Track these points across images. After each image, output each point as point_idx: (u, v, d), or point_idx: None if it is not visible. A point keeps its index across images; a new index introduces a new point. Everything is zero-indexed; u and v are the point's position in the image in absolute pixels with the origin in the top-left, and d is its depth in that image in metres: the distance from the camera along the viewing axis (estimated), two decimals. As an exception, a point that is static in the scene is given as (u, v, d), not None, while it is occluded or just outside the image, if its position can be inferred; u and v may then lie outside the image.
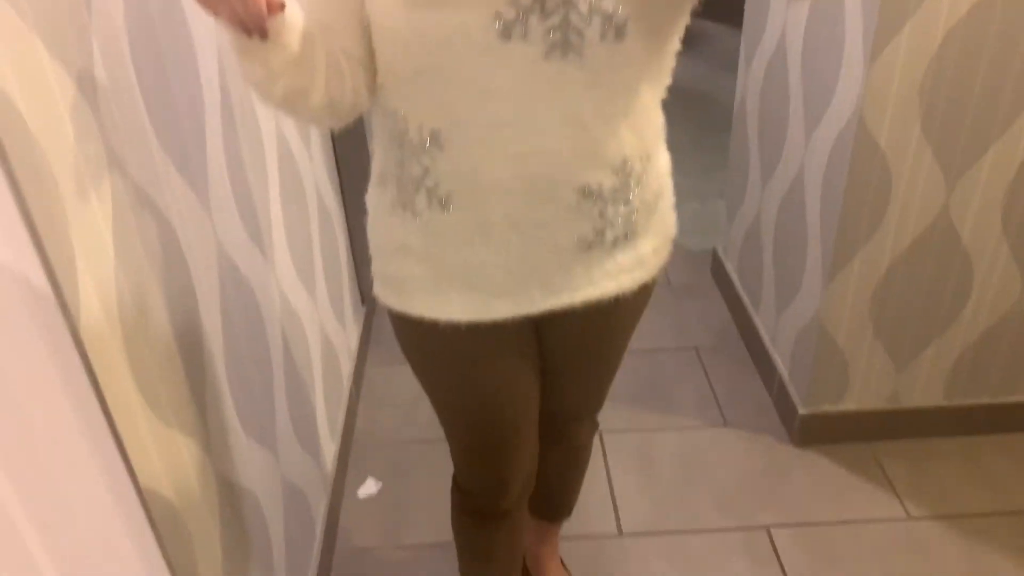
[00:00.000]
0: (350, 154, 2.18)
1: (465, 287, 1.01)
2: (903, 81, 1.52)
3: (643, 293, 1.12)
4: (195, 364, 1.05)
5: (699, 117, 3.77)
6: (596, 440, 2.01)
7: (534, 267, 1.00)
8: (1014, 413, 1.97)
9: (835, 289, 1.79)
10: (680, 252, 2.80)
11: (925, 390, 1.93)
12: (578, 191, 0.95)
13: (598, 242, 1.00)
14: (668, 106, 1.04)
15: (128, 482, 0.78)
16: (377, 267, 1.09)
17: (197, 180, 1.10)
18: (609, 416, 2.09)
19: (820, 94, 1.75)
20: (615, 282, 1.05)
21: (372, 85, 0.96)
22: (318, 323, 1.80)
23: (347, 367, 2.11)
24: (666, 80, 1.00)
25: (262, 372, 1.35)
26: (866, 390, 1.93)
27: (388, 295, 1.08)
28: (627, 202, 0.99)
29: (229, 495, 1.14)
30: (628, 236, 1.02)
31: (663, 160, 1.06)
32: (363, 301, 2.38)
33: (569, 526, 1.75)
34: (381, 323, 2.48)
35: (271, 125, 1.50)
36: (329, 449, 1.85)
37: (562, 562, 1.67)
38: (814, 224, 1.83)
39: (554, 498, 1.52)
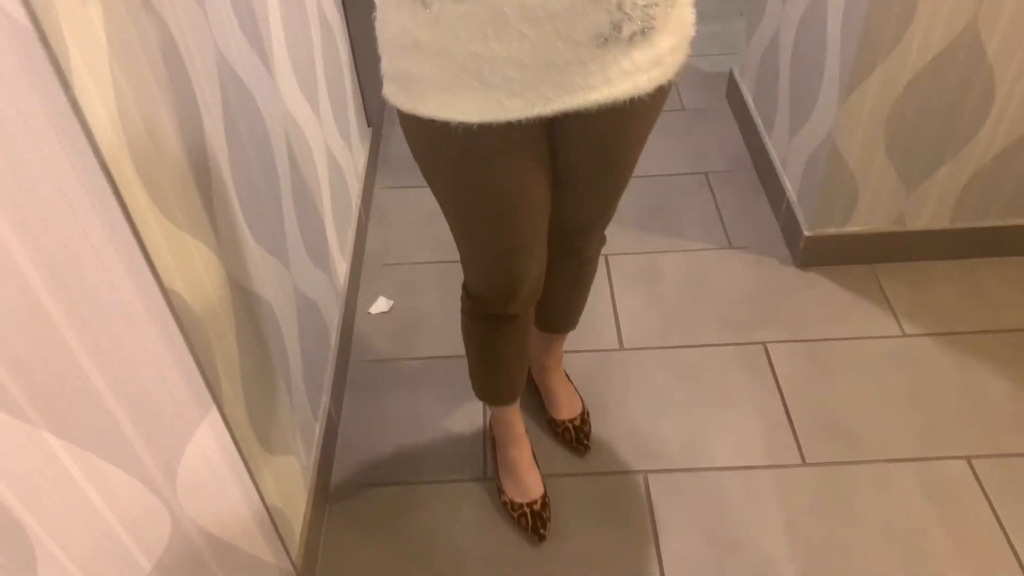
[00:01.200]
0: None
1: (477, 84, 0.99)
2: None
3: (659, 96, 1.09)
4: (201, 169, 1.05)
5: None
6: (601, 261, 2.06)
7: (548, 62, 0.97)
8: (1016, 236, 1.98)
9: (850, 107, 1.74)
10: (695, 74, 2.75)
11: (933, 213, 1.93)
12: None
13: (614, 36, 0.96)
14: None
15: (149, 276, 0.80)
16: (386, 65, 1.06)
17: (190, -22, 1.05)
18: (615, 238, 2.12)
19: None
20: (631, 82, 1.01)
21: None
22: (323, 140, 1.79)
23: (355, 188, 2.12)
24: None
25: (269, 184, 1.36)
26: (873, 212, 1.93)
27: (398, 94, 1.06)
28: None
29: (243, 299, 1.19)
30: (645, 32, 0.98)
31: None
32: (369, 123, 2.35)
33: (572, 341, 1.83)
34: (388, 146, 2.46)
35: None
36: (340, 267, 1.90)
37: (565, 374, 1.75)
38: (834, 38, 1.76)
39: (560, 311, 1.57)
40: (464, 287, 1.35)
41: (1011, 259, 2.01)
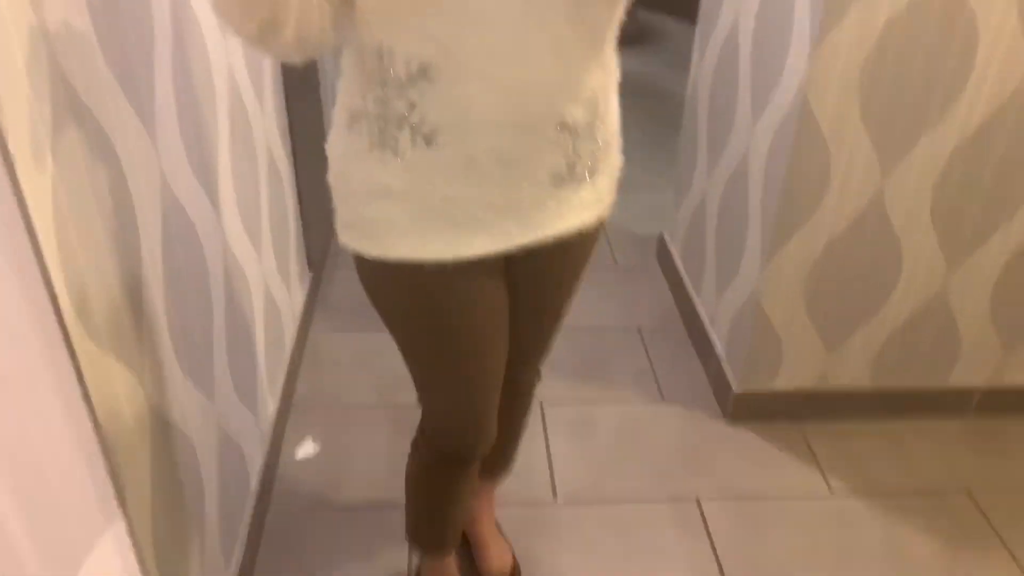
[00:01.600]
0: (304, 112, 2.17)
1: (447, 224, 1.03)
2: (846, 66, 1.58)
3: (598, 230, 1.20)
4: (134, 291, 1.04)
5: (653, 112, 3.82)
6: (536, 411, 2.05)
7: (513, 201, 1.04)
8: (934, 397, 2.06)
9: (772, 270, 1.84)
10: (628, 237, 2.89)
11: (853, 372, 2.01)
12: (558, 124, 1.00)
13: (569, 177, 1.06)
14: (623, 101, 1.13)
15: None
16: (347, 215, 1.08)
17: (144, 107, 1.09)
18: (550, 388, 2.12)
19: (767, 79, 1.80)
20: (579, 217, 1.11)
21: (338, 22, 0.95)
22: (263, 280, 1.79)
23: (290, 329, 2.10)
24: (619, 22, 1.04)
25: (203, 316, 1.35)
26: (797, 370, 2.00)
27: (360, 241, 1.08)
28: (593, 138, 1.06)
29: (162, 430, 1.13)
30: (591, 173, 1.09)
31: (616, 101, 1.12)
32: (310, 267, 2.37)
33: (506, 492, 1.78)
34: (328, 289, 2.47)
35: (223, 67, 1.49)
36: (268, 407, 1.84)
37: (497, 525, 1.69)
38: (755, 207, 1.89)
39: (497, 451, 1.53)
40: (422, 429, 1.32)
41: (932, 420, 2.08)
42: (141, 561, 0.94)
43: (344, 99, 1.04)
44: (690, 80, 2.41)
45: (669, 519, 1.79)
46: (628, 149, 1.17)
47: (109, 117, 0.97)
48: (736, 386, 2.02)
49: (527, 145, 1.00)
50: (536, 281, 1.22)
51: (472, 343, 1.17)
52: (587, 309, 2.47)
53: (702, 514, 1.80)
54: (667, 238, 2.65)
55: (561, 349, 2.27)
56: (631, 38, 5.38)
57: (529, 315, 1.27)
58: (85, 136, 0.91)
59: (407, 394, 1.29)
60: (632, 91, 1.17)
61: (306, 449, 1.92)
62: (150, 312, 1.10)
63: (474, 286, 1.12)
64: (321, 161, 1.10)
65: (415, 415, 1.30)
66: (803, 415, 2.06)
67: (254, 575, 1.62)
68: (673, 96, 4.00)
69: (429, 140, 0.97)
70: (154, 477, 1.09)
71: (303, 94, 2.25)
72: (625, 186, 1.22)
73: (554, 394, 2.12)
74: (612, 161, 1.14)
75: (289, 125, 2.11)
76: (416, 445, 1.34)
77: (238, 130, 1.59)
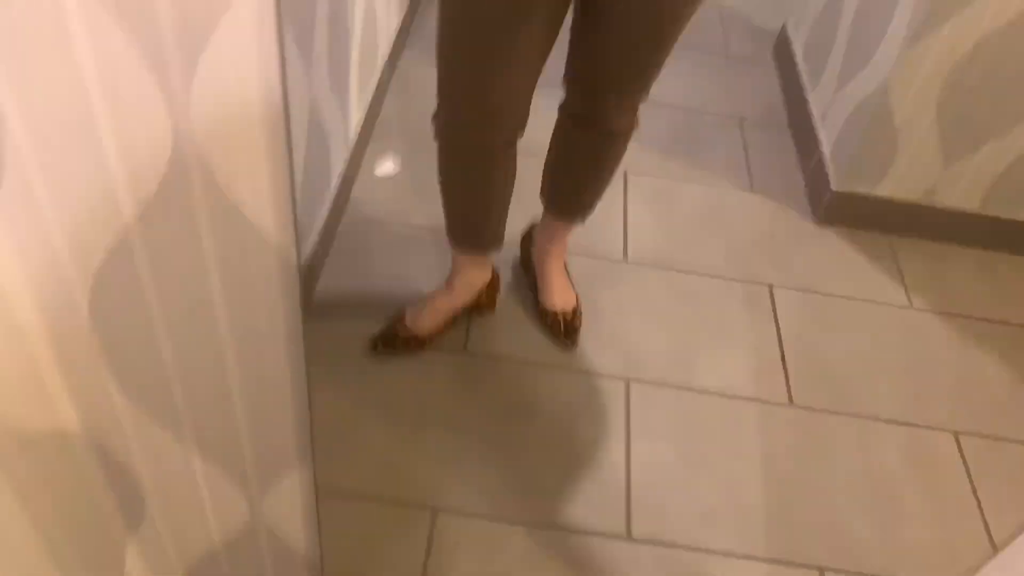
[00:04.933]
0: None
1: None
2: None
3: None
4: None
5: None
6: (620, 177, 1.98)
7: None
8: (1045, 234, 1.93)
9: (911, 59, 1.67)
10: (745, 25, 2.66)
11: (964, 192, 1.88)
12: None
13: None
14: None
15: None
16: None
17: None
18: (638, 160, 2.05)
19: None
20: None
21: None
22: (365, -24, 1.68)
23: (383, 48, 2.01)
24: None
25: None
26: (906, 179, 1.87)
27: None
28: None
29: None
30: None
31: None
32: (409, -8, 2.24)
33: (578, 243, 1.76)
34: (421, 22, 2.35)
35: None
36: (354, 117, 1.80)
37: (566, 268, 1.67)
38: (911, -15, 1.68)
39: (572, 189, 1.49)
40: (438, 107, 1.26)
41: (1031, 258, 1.96)
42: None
43: None
44: None
45: (737, 297, 1.76)
46: None
47: None
48: (835, 185, 1.91)
49: None
50: (618, 4, 1.10)
51: (500, 12, 1.07)
52: (687, 91, 2.33)
53: (772, 300, 1.76)
54: (789, 29, 2.44)
55: (653, 123, 2.17)
56: None
57: (621, 33, 1.15)
58: None
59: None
60: None
61: (384, 167, 1.90)
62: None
63: None
64: None
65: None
66: (899, 228, 1.95)
67: (321, 273, 1.65)
68: None
69: None
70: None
71: None
72: None
73: (639, 164, 2.04)
74: None
75: None
76: (437, 132, 1.29)
77: None
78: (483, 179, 1.33)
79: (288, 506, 0.83)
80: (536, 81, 1.21)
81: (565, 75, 1.30)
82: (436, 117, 1.27)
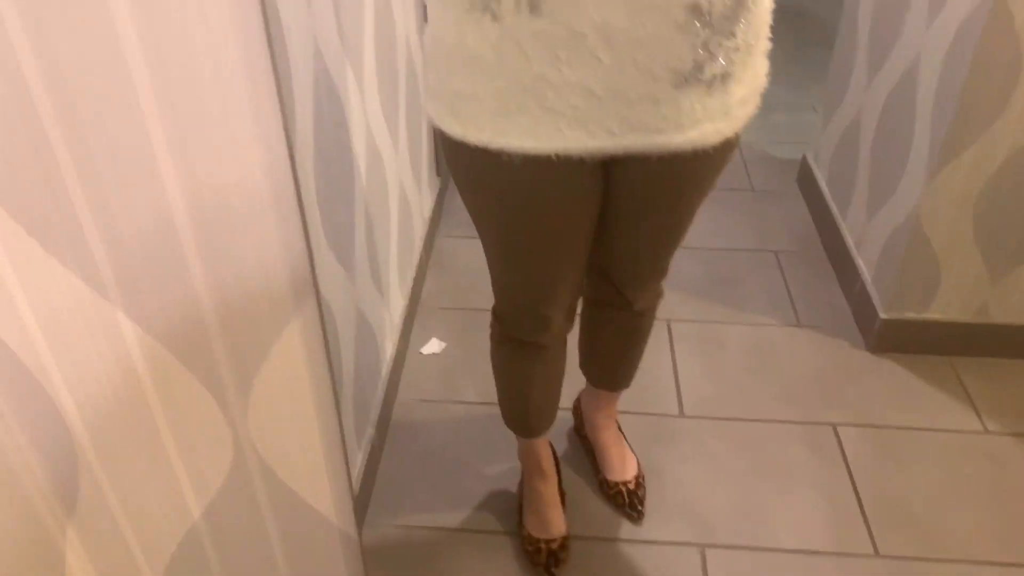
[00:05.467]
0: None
1: (537, 110, 0.91)
2: (1053, -50, 1.39)
3: (725, 149, 1.02)
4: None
5: (795, 32, 3.59)
6: (662, 326, 1.99)
7: (619, 94, 0.89)
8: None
9: (938, 186, 1.69)
10: (766, 160, 2.73)
11: (1019, 306, 1.84)
12: (688, 7, 0.84)
13: (694, 78, 0.89)
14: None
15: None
16: (435, 82, 0.98)
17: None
18: (679, 307, 2.06)
19: (952, -29, 1.62)
20: (699, 130, 0.95)
21: None
22: (397, 173, 1.78)
23: (420, 230, 2.10)
24: None
25: (345, 187, 1.34)
26: (955, 300, 1.84)
27: (445, 117, 0.98)
28: (732, 35, 0.89)
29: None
30: (723, 78, 0.92)
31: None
32: (438, 172, 2.35)
33: (630, 403, 1.75)
34: (453, 197, 2.46)
35: (371, -52, 1.45)
36: (398, 302, 1.85)
37: (621, 433, 1.66)
38: (924, 116, 1.72)
39: (610, 366, 1.50)
40: (493, 311, 1.30)
41: (1102, 365, 1.88)
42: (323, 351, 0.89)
43: None
44: (851, -15, 2.21)
45: (801, 441, 1.71)
46: (771, 72, 1.00)
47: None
48: (883, 312, 1.89)
49: (645, 26, 0.84)
50: (645, 192, 1.08)
51: (542, 241, 1.08)
52: (719, 231, 2.36)
53: (838, 439, 1.71)
54: (811, 159, 2.49)
55: (690, 266, 2.20)
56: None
57: (637, 228, 1.15)
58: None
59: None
60: (774, 10, 1.00)
61: (431, 346, 1.94)
62: (302, 174, 1.09)
63: (559, 184, 1.00)
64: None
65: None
66: (956, 349, 1.91)
67: (382, 458, 1.66)
68: (815, 15, 3.76)
69: (534, 6, 0.84)
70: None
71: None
72: (767, 109, 1.04)
73: (682, 312, 2.04)
74: (754, 67, 0.96)
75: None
76: (492, 328, 1.33)
77: (381, 12, 1.56)
78: (540, 374, 1.35)
79: None
80: (581, 280, 1.24)
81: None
82: (493, 320, 1.32)
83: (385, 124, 1.63)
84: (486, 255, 1.17)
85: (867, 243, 2.01)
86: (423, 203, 2.14)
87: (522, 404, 1.40)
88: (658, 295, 1.37)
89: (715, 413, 1.77)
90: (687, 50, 0.87)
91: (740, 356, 1.93)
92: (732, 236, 2.35)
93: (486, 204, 1.08)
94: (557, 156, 0.95)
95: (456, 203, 2.45)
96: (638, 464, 1.62)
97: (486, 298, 2.02)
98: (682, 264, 2.21)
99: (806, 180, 2.50)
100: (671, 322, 2.02)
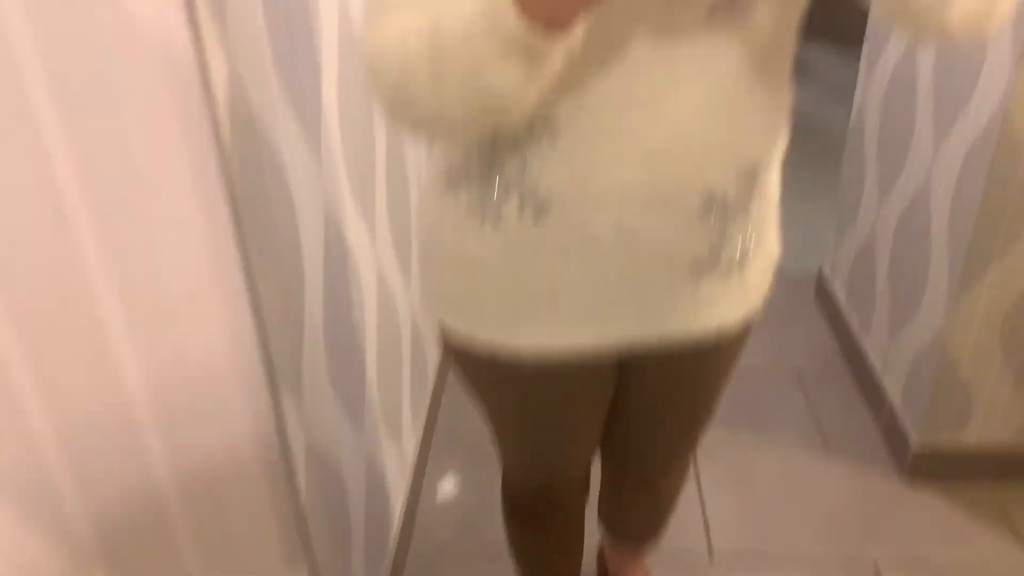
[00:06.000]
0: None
1: (547, 310, 0.85)
2: (1057, 79, 1.40)
3: (744, 331, 0.99)
4: (295, 306, 1.01)
5: (803, 146, 3.64)
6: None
7: (635, 293, 0.85)
8: None
9: (961, 309, 1.64)
10: (780, 273, 2.70)
11: (1059, 428, 1.76)
12: (703, 197, 0.79)
13: (711, 265, 0.85)
14: None
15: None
16: (431, 285, 0.94)
17: (310, 119, 1.07)
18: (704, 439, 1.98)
19: (956, 95, 1.63)
20: (719, 316, 0.91)
21: None
22: (411, 315, 1.76)
23: (432, 364, 2.06)
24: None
25: (356, 345, 1.32)
26: (990, 424, 1.77)
27: (446, 314, 0.93)
28: (747, 213, 0.84)
29: (316, 462, 1.10)
30: (740, 262, 0.87)
31: (778, 170, 0.90)
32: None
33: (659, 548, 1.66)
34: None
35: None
36: (410, 442, 1.80)
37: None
38: (940, 238, 1.70)
39: (641, 535, 1.42)
40: (503, 483, 1.23)
41: None
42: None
43: (442, 157, 0.87)
44: (855, 106, 2.24)
45: (842, 583, 1.60)
46: (782, 185, 1.00)
47: (277, 127, 0.96)
48: (915, 439, 1.81)
49: (661, 224, 0.80)
50: (666, 383, 1.03)
51: (550, 434, 1.04)
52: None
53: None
54: (827, 274, 2.46)
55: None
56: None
57: (660, 419, 1.09)
58: (256, 144, 0.89)
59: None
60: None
61: (446, 486, 1.86)
62: (312, 336, 1.07)
63: (570, 379, 0.94)
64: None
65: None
66: (998, 476, 1.81)
67: (395, 614, 1.56)
68: (824, 129, 3.81)
69: (540, 212, 0.79)
70: (307, 501, 1.05)
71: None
72: (780, 223, 1.03)
73: (706, 443, 1.96)
74: (767, 247, 0.92)
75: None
76: (502, 502, 1.26)
77: (393, 161, 1.57)
78: (559, 548, 1.29)
79: None
80: (592, 453, 1.18)
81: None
82: (502, 495, 1.25)
83: (396, 260, 1.62)
84: (492, 436, 1.11)
85: (892, 365, 1.95)
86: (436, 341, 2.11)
87: (541, 572, 1.32)
88: (685, 471, 1.29)
89: (748, 554, 1.68)
90: (704, 238, 0.83)
91: (770, 489, 1.84)
92: (753, 358, 2.28)
93: (492, 396, 1.03)
94: (570, 355, 0.90)
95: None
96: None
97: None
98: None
99: (824, 296, 2.46)
100: (697, 456, 1.94)
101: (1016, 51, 1.40)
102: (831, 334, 2.37)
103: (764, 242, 0.91)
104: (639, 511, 1.34)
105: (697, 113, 0.76)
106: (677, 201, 0.79)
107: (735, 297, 0.90)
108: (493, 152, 0.79)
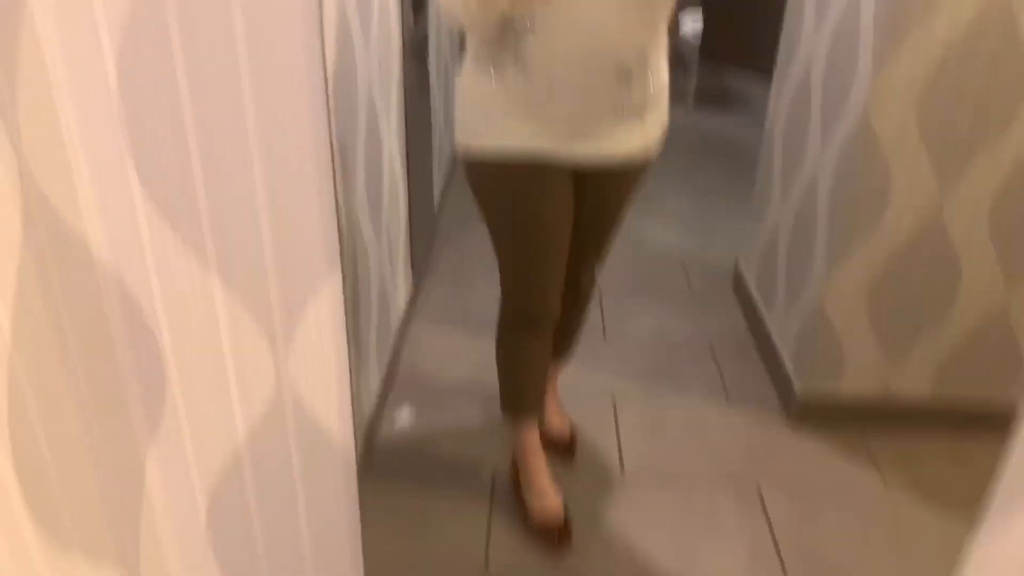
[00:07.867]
0: (418, 140, 2.48)
1: (527, 122, 1.44)
2: (907, 86, 1.77)
3: (646, 163, 1.60)
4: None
5: (731, 163, 4.04)
6: (608, 404, 2.24)
7: (578, 120, 1.44)
8: (1000, 412, 2.14)
9: (836, 281, 2.01)
10: (703, 265, 3.08)
11: (914, 382, 2.13)
12: (617, 67, 1.39)
13: (623, 110, 1.45)
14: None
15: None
16: (462, 116, 1.52)
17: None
18: (623, 388, 2.32)
19: (834, 109, 2.01)
20: (630, 144, 1.51)
21: None
22: (378, 260, 2.07)
23: (396, 317, 2.37)
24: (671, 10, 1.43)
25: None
26: (858, 378, 2.13)
27: (467, 136, 1.51)
28: (644, 84, 1.45)
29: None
30: (641, 111, 1.48)
31: (665, 66, 1.50)
32: (412, 268, 2.65)
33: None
34: (425, 293, 2.75)
35: (365, 79, 1.80)
36: (375, 378, 2.10)
37: (560, 406, 2.10)
38: (823, 226, 2.07)
39: (560, 333, 1.86)
40: (504, 296, 1.68)
41: (996, 434, 2.15)
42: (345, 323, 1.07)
43: (472, 50, 1.49)
44: (767, 121, 2.63)
45: (730, 501, 1.94)
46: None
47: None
48: (799, 389, 2.17)
49: (593, 81, 1.39)
50: (596, 195, 1.62)
51: (542, 226, 1.56)
52: (660, 326, 2.66)
53: (762, 499, 1.94)
54: (741, 265, 2.83)
55: (634, 355, 2.48)
56: (715, 100, 5.62)
57: (588, 222, 1.66)
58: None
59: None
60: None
61: (403, 415, 2.16)
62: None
63: (547, 185, 1.52)
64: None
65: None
66: (864, 420, 2.18)
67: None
68: (754, 151, 4.23)
69: (524, 71, 1.40)
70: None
71: (417, 126, 2.57)
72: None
73: (626, 394, 2.30)
74: (661, 108, 1.53)
75: (407, 141, 2.43)
76: (500, 316, 1.71)
77: (372, 138, 1.89)
78: (539, 352, 1.74)
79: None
80: (566, 259, 1.66)
81: None
82: (503, 306, 1.70)
83: (369, 216, 1.93)
84: (499, 254, 1.62)
85: (786, 332, 2.32)
86: (398, 295, 2.42)
87: (525, 383, 1.76)
88: (594, 279, 1.85)
89: (653, 475, 2.00)
90: (618, 92, 1.43)
91: (677, 430, 2.18)
92: (672, 331, 2.64)
93: (499, 203, 1.56)
94: (542, 161, 1.47)
95: (429, 297, 2.73)
96: (572, 428, 2.08)
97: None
98: (627, 353, 2.50)
99: (739, 283, 2.83)
100: (616, 401, 2.27)
101: (875, 59, 1.78)
102: (743, 316, 2.73)
103: (659, 104, 1.52)
104: (563, 311, 1.75)
105: (612, 13, 1.34)
106: (601, 67, 1.39)
107: (639, 134, 1.52)
108: (501, 43, 1.40)
